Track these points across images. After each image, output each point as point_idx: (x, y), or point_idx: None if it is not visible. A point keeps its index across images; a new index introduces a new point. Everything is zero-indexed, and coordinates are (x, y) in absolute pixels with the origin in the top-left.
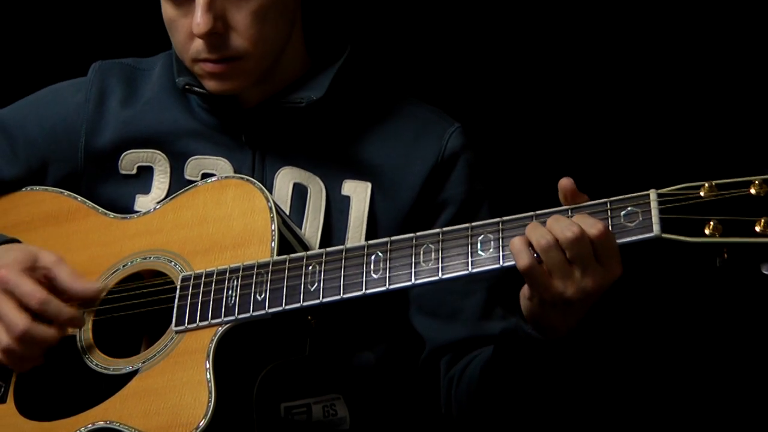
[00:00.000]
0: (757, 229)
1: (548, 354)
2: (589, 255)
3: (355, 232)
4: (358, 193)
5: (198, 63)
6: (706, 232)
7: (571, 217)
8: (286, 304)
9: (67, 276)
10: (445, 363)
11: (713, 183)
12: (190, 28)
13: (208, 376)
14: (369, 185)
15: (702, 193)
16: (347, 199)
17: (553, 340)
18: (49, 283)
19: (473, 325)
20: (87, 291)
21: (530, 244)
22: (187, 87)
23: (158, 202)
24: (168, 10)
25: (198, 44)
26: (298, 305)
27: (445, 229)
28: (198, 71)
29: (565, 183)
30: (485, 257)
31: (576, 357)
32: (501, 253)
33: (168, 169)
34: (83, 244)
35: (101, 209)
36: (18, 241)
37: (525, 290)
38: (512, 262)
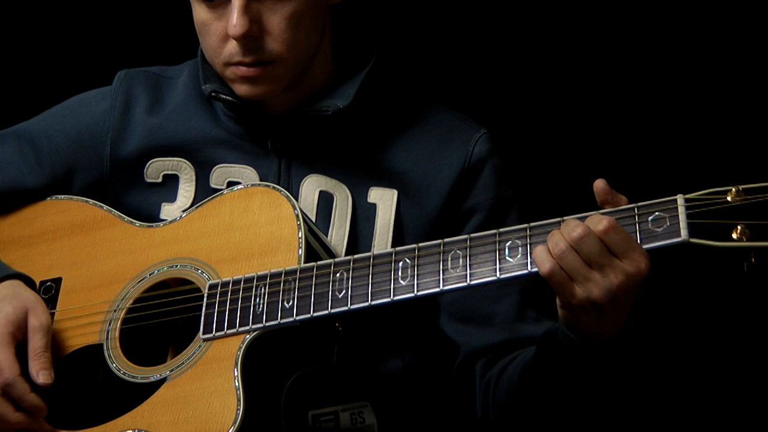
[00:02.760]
0: None
1: (589, 358)
2: (602, 252)
3: (382, 240)
4: (384, 200)
5: (230, 67)
6: (734, 236)
7: None
8: (314, 312)
9: (34, 350)
10: (481, 367)
11: (740, 187)
12: (223, 31)
13: (237, 384)
14: (395, 192)
15: (729, 198)
16: (373, 206)
17: (594, 344)
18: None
19: (508, 328)
20: (28, 394)
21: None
22: (213, 94)
23: (184, 211)
24: (201, 13)
25: (231, 47)
26: (326, 312)
27: (472, 235)
28: (229, 75)
29: (599, 184)
30: (513, 263)
31: (616, 362)
32: (529, 259)
33: (193, 178)
34: (109, 253)
35: (127, 218)
36: (23, 276)
37: (558, 299)
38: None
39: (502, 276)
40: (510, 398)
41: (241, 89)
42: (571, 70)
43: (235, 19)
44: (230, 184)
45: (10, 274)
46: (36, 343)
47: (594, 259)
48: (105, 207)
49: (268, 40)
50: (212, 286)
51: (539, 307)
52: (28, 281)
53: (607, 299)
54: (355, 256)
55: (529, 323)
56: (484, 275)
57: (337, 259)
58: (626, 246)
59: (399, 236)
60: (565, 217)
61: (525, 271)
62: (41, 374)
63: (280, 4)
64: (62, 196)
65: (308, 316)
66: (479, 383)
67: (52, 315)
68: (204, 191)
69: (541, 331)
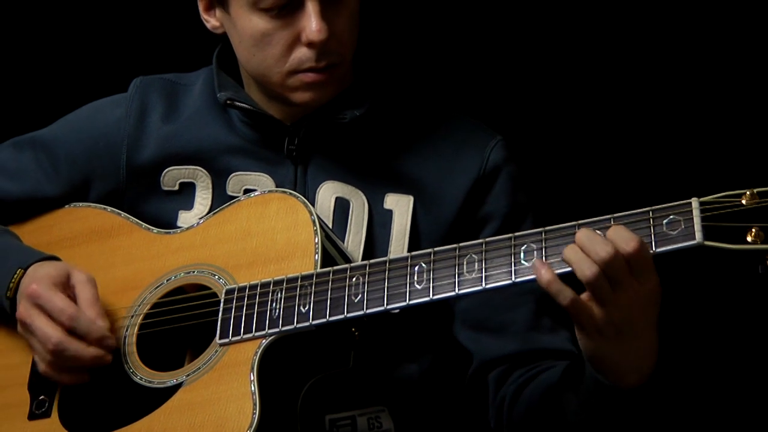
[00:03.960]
0: None
1: (620, 402)
2: (625, 272)
3: (398, 246)
4: (400, 206)
5: (297, 74)
6: (748, 239)
7: (612, 226)
8: (330, 316)
9: (87, 299)
10: (494, 379)
11: (755, 191)
12: (290, 39)
13: (253, 389)
14: (411, 199)
15: (743, 201)
16: (390, 212)
17: (624, 390)
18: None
19: (522, 339)
20: (95, 322)
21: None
22: (228, 102)
23: (201, 218)
24: (260, 24)
25: (301, 54)
26: (342, 317)
27: (488, 239)
28: (293, 83)
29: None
30: (528, 267)
31: (648, 408)
32: None
33: (210, 185)
34: (127, 260)
35: (144, 225)
36: (57, 258)
37: (576, 330)
38: (556, 272)
39: (518, 279)
40: (530, 423)
41: (304, 96)
42: (585, 77)
43: (317, 24)
44: (247, 191)
45: (45, 257)
46: (86, 294)
47: (618, 279)
48: (123, 214)
49: (334, 42)
50: (229, 291)
51: (555, 316)
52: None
53: (623, 315)
54: (371, 261)
55: (544, 333)
56: (499, 279)
57: (353, 264)
58: (646, 267)
59: (415, 242)
60: (579, 221)
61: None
62: (98, 320)
63: (343, 5)
64: (80, 204)
65: (324, 320)
66: (493, 396)
67: None
68: (220, 199)
69: (556, 342)
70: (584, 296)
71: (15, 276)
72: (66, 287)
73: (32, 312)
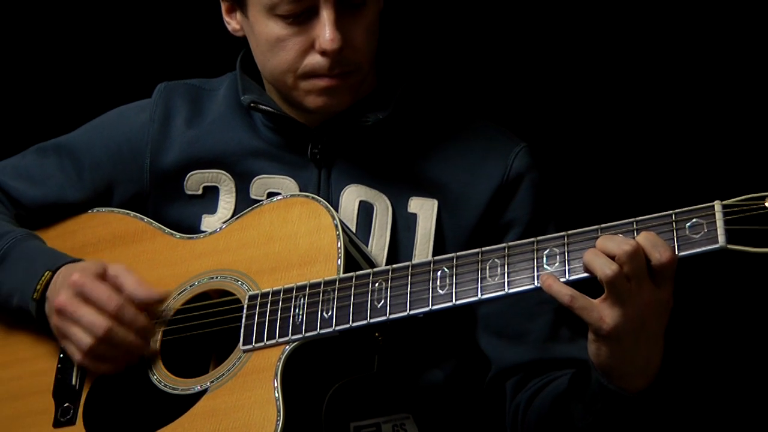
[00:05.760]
0: None
1: (625, 408)
2: (644, 270)
3: (422, 250)
4: (424, 210)
5: (310, 79)
6: None
7: (637, 232)
8: (353, 321)
9: (133, 284)
10: (511, 387)
11: None
12: (304, 46)
13: (277, 395)
14: (435, 202)
15: (767, 204)
16: (414, 216)
17: (628, 395)
18: (118, 291)
19: (540, 348)
20: (150, 297)
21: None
22: (252, 105)
23: (224, 222)
24: (275, 30)
25: (314, 61)
26: (365, 322)
27: (510, 243)
28: (306, 88)
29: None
30: (551, 271)
31: (654, 412)
32: (567, 267)
33: (233, 189)
34: (150, 265)
35: (167, 230)
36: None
37: (589, 332)
38: (578, 276)
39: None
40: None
41: (317, 101)
42: (607, 83)
43: (330, 33)
44: (270, 194)
45: (73, 259)
46: (129, 281)
47: (638, 276)
48: (146, 219)
49: (349, 51)
50: (252, 297)
51: (573, 326)
52: None
53: (638, 316)
54: (394, 266)
55: (562, 342)
56: (522, 283)
57: (376, 269)
58: (670, 275)
59: (440, 246)
60: (602, 225)
61: (563, 279)
62: (152, 295)
63: (361, 16)
64: (103, 209)
65: (347, 326)
66: (509, 403)
67: None
68: (244, 202)
69: (574, 352)
70: (601, 298)
71: (42, 278)
72: (105, 278)
73: (75, 300)
